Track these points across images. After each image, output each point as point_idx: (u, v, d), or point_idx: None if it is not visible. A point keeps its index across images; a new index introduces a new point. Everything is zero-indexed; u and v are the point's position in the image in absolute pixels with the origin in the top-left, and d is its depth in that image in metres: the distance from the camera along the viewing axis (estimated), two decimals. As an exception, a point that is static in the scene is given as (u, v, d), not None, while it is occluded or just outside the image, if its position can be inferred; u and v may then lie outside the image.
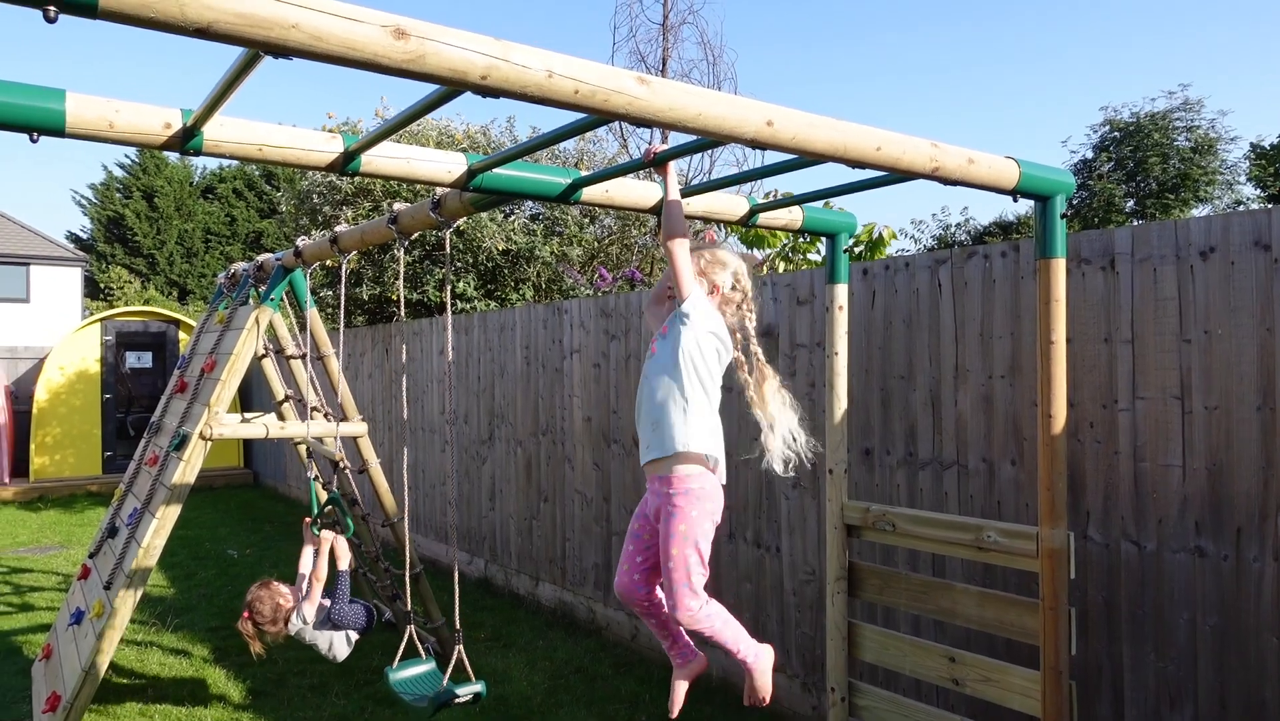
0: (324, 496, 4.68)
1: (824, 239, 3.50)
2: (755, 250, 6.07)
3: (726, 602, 4.66)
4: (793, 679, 4.31)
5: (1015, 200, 2.69)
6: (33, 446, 11.94)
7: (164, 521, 4.22)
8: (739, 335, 2.64)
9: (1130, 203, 19.75)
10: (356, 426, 4.95)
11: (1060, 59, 53.20)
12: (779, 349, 4.42)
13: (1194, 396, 2.91)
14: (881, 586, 3.23)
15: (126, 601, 4.08)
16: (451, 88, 1.67)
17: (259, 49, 1.43)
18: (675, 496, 2.39)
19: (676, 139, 2.14)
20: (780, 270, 6.41)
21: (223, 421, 4.43)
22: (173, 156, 31.04)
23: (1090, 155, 20.44)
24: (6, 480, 11.85)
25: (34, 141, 1.99)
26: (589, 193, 2.69)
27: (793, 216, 3.18)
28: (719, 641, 2.54)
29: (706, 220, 3.22)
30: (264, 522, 9.62)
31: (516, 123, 9.88)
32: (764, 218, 3.12)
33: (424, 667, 3.38)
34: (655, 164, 2.48)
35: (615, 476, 5.54)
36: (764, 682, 2.64)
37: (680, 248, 2.41)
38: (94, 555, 4.98)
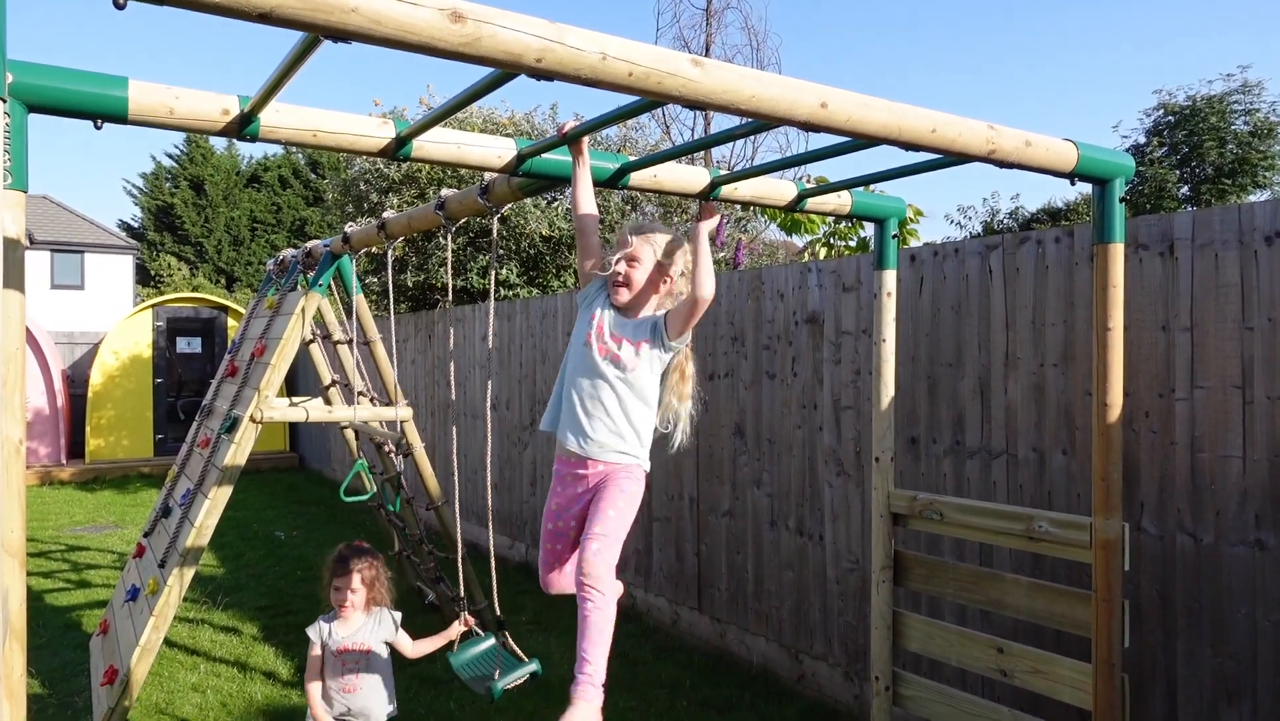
0: (368, 480, 4.75)
1: (871, 224, 3.46)
2: (794, 236, 6.01)
3: (766, 590, 4.67)
4: (834, 667, 4.29)
5: (1073, 183, 2.63)
6: (88, 429, 12.28)
7: (216, 502, 4.32)
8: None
9: (1184, 188, 19.23)
10: (402, 411, 5.00)
11: (1112, 42, 51.90)
12: (823, 336, 4.38)
13: (1256, 385, 2.83)
14: (928, 576, 3.19)
15: (181, 579, 4.18)
16: (506, 70, 1.67)
17: (319, 33, 1.44)
18: (632, 486, 2.53)
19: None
20: (821, 257, 6.35)
21: (272, 405, 4.51)
22: (219, 146, 31.59)
23: (1142, 140, 19.92)
24: (64, 461, 12.20)
25: (98, 128, 2.03)
26: (637, 178, 2.68)
27: (841, 201, 3.14)
28: (584, 630, 2.33)
29: (753, 206, 3.20)
30: (310, 505, 9.79)
31: (560, 109, 9.90)
32: (812, 203, 3.08)
33: (484, 645, 3.36)
34: (569, 140, 2.41)
35: (657, 463, 5.54)
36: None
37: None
38: (148, 534, 5.11)
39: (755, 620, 4.79)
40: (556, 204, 9.00)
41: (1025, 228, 20.20)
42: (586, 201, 2.51)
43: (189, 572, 4.21)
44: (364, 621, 3.32)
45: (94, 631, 4.95)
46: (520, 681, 2.99)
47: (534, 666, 3.01)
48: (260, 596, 6.26)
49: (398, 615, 3.39)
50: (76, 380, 13.46)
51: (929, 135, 2.16)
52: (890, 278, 3.28)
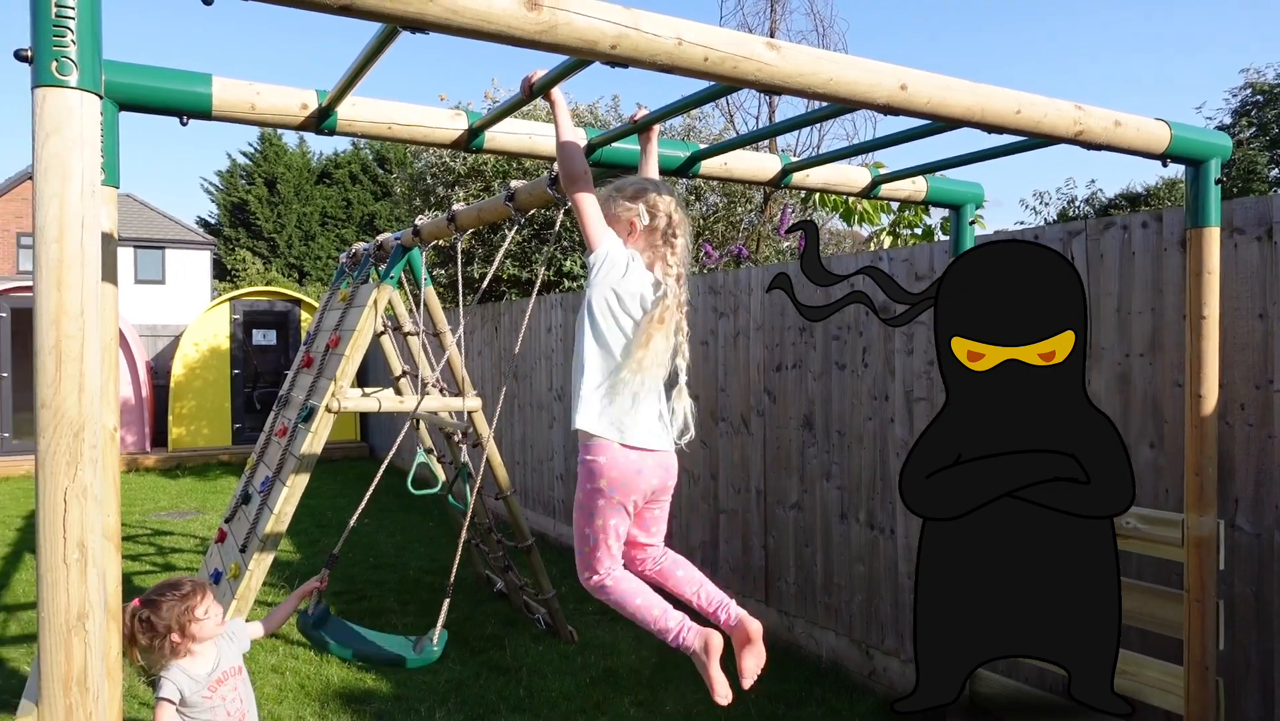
0: (439, 470, 4.81)
1: (944, 211, 3.37)
2: (858, 227, 5.90)
3: (836, 584, 4.60)
4: (906, 663, 4.21)
5: (1165, 164, 2.52)
6: (170, 418, 12.75)
7: (294, 489, 4.44)
8: (671, 270, 2.26)
9: (1275, 170, 18.35)
10: (471, 401, 5.07)
11: (1193, 21, 49.73)
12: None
13: (1364, 377, 2.67)
14: (1007, 572, 3.10)
15: (261, 564, 4.31)
16: (581, 58, 1.66)
17: (398, 24, 1.45)
18: (579, 466, 2.23)
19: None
20: (886, 245, 6.22)
21: (346, 395, 4.61)
22: (291, 143, 32.44)
23: (1228, 120, 19.07)
24: (148, 449, 12.69)
25: (184, 124, 2.09)
26: (707, 165, 2.65)
27: (916, 187, 3.07)
28: (636, 619, 2.28)
29: (825, 193, 3.14)
30: (380, 494, 10.00)
31: (623, 101, 9.89)
32: (886, 189, 3.02)
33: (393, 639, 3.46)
34: (536, 95, 2.10)
35: (724, 454, 5.52)
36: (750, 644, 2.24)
37: (582, 194, 2.13)
38: (229, 520, 5.28)
39: (824, 614, 4.73)
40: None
41: (1103, 213, 19.53)
42: (577, 163, 2.19)
43: (268, 558, 4.34)
44: (215, 644, 2.76)
45: (179, 613, 5.12)
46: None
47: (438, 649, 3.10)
48: (334, 582, 6.41)
49: (239, 618, 3.09)
50: (159, 371, 13.98)
51: (1013, 117, 2.09)
52: (967, 265, 3.18)
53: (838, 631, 4.63)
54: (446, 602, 3.40)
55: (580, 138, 2.43)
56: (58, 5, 1.23)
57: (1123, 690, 2.73)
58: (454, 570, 4.13)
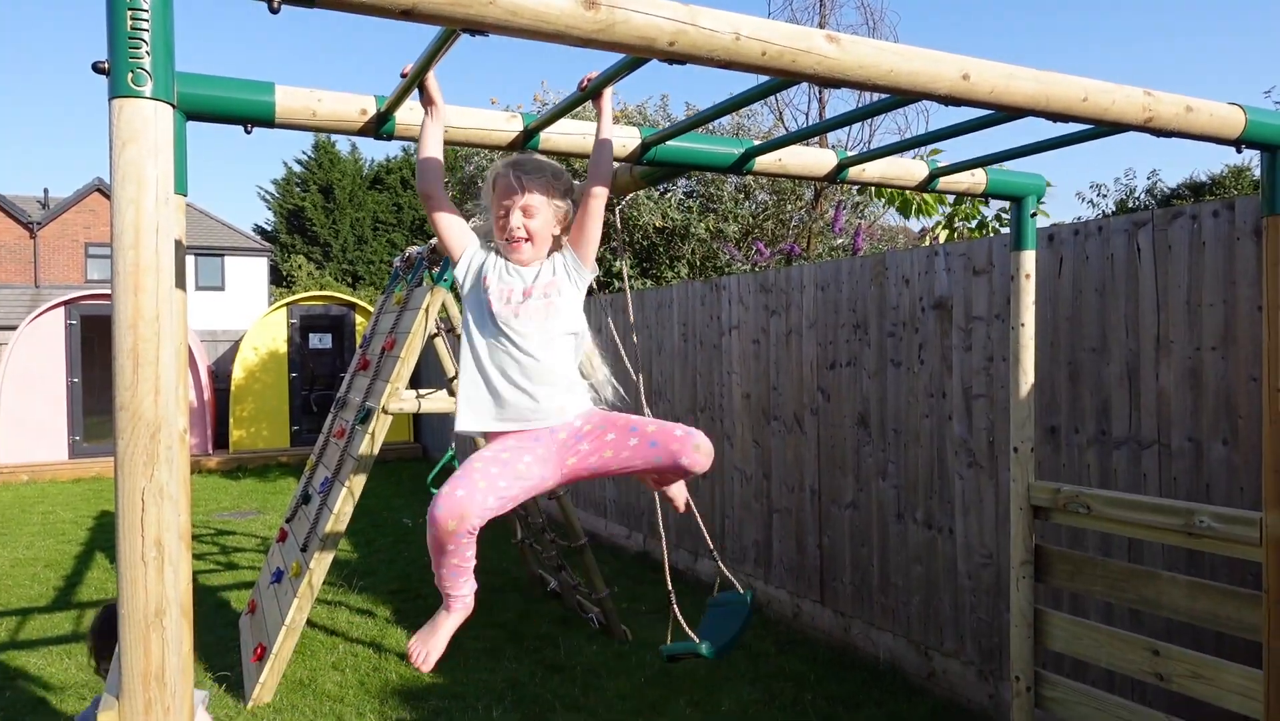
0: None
1: (1003, 203, 3.30)
2: (910, 219, 5.80)
3: (893, 584, 4.53)
4: (967, 666, 4.13)
5: (1239, 150, 2.43)
6: (231, 420, 13.07)
7: (352, 489, 4.51)
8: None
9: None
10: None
11: (1258, 5, 48.04)
12: (953, 321, 4.21)
13: None
14: (1073, 572, 3.02)
15: (321, 563, 4.39)
16: (638, 56, 1.65)
17: (459, 26, 1.46)
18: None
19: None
20: (942, 239, 6.11)
21: (402, 397, 4.68)
22: (344, 150, 33.06)
23: (1298, 106, 18.38)
24: (210, 451, 13.03)
25: (248, 132, 2.13)
26: (762, 162, 2.63)
27: (975, 180, 3.00)
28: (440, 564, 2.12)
29: (882, 187, 3.09)
30: (432, 494, 10.14)
31: (670, 101, 9.87)
32: (944, 182, 2.95)
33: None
34: (592, 93, 2.09)
35: (776, 454, 5.48)
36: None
37: (605, 196, 2.19)
38: (289, 520, 5.39)
39: (881, 614, 4.67)
40: (670, 195, 8.99)
41: (1165, 204, 18.96)
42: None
43: (328, 557, 4.42)
44: None
45: (243, 610, 5.25)
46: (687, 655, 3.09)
47: (703, 648, 3.08)
48: (391, 580, 6.52)
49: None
50: (220, 375, 14.35)
51: (1080, 105, 2.02)
52: (1029, 259, 3.11)
53: (895, 632, 4.57)
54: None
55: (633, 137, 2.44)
56: (133, 19, 1.26)
57: (1198, 694, 2.64)
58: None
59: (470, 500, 2.01)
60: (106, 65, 1.27)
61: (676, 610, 3.34)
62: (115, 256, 1.27)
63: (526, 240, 2.16)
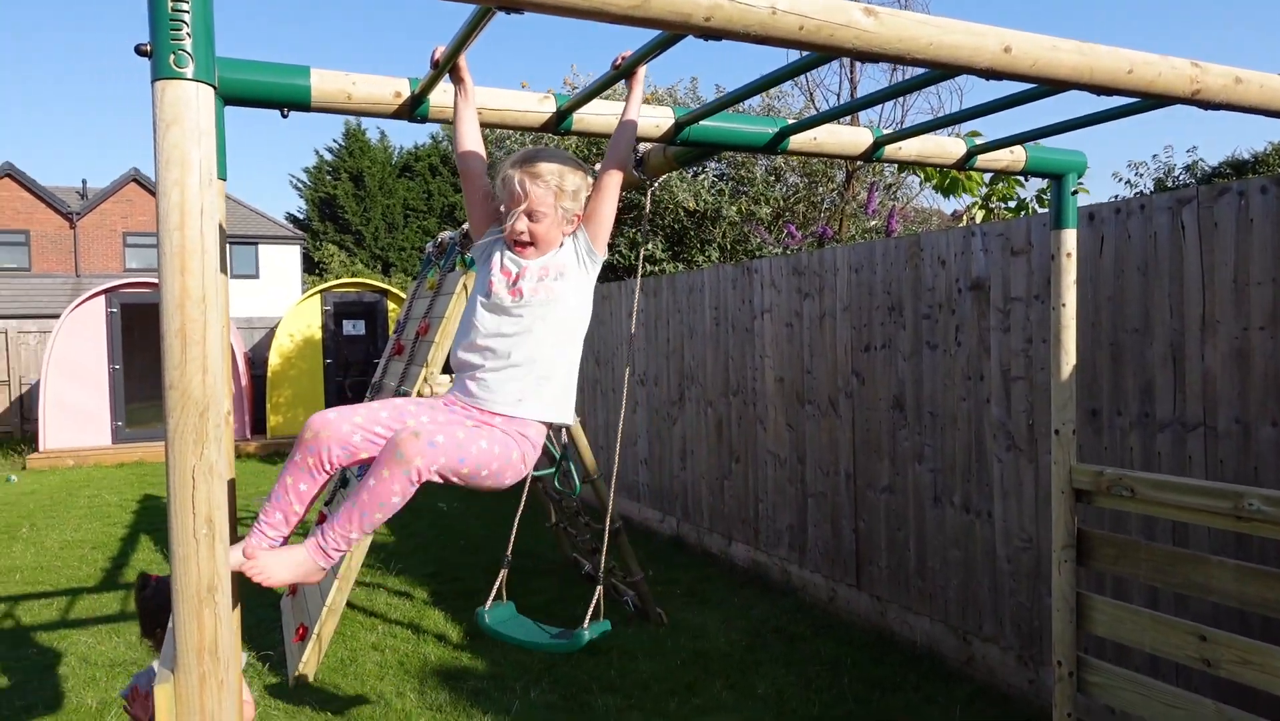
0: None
1: (1047, 181, 3.24)
2: (952, 198, 5.71)
3: (930, 569, 4.49)
4: (1006, 651, 4.09)
5: (1292, 123, 2.36)
6: (268, 406, 13.27)
7: (389, 473, 4.55)
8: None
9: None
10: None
11: (1307, -28, 46.59)
12: (990, 303, 4.15)
13: None
14: (1117, 556, 2.98)
15: (360, 546, 4.45)
16: (674, 32, 1.64)
17: (495, 5, 1.46)
18: (524, 441, 2.12)
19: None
20: (978, 220, 6.02)
21: (437, 380, 4.71)
22: (374, 138, 33.26)
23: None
24: (248, 436, 13.25)
25: (284, 117, 2.14)
26: (796, 141, 2.60)
27: (1014, 157, 2.95)
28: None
29: (918, 166, 3.04)
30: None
31: (700, 83, 9.81)
32: (982, 159, 2.91)
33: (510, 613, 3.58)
34: (625, 73, 2.09)
35: (810, 437, 5.45)
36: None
37: (621, 177, 2.18)
38: (328, 504, 5.45)
39: (918, 599, 4.64)
40: (702, 176, 8.94)
41: (1205, 182, 18.53)
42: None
43: (367, 540, 4.47)
44: None
45: (284, 593, 5.34)
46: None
47: (605, 626, 3.14)
48: (427, 564, 6.59)
49: None
50: (256, 362, 14.56)
51: (1125, 77, 1.97)
52: (1070, 237, 3.05)
53: (933, 617, 4.54)
54: (599, 591, 3.51)
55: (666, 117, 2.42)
56: (174, 2, 1.27)
57: (1248, 680, 2.59)
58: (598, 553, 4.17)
59: (335, 421, 1.94)
60: (149, 47, 1.29)
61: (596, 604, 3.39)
62: (161, 239, 1.28)
63: (530, 244, 2.15)
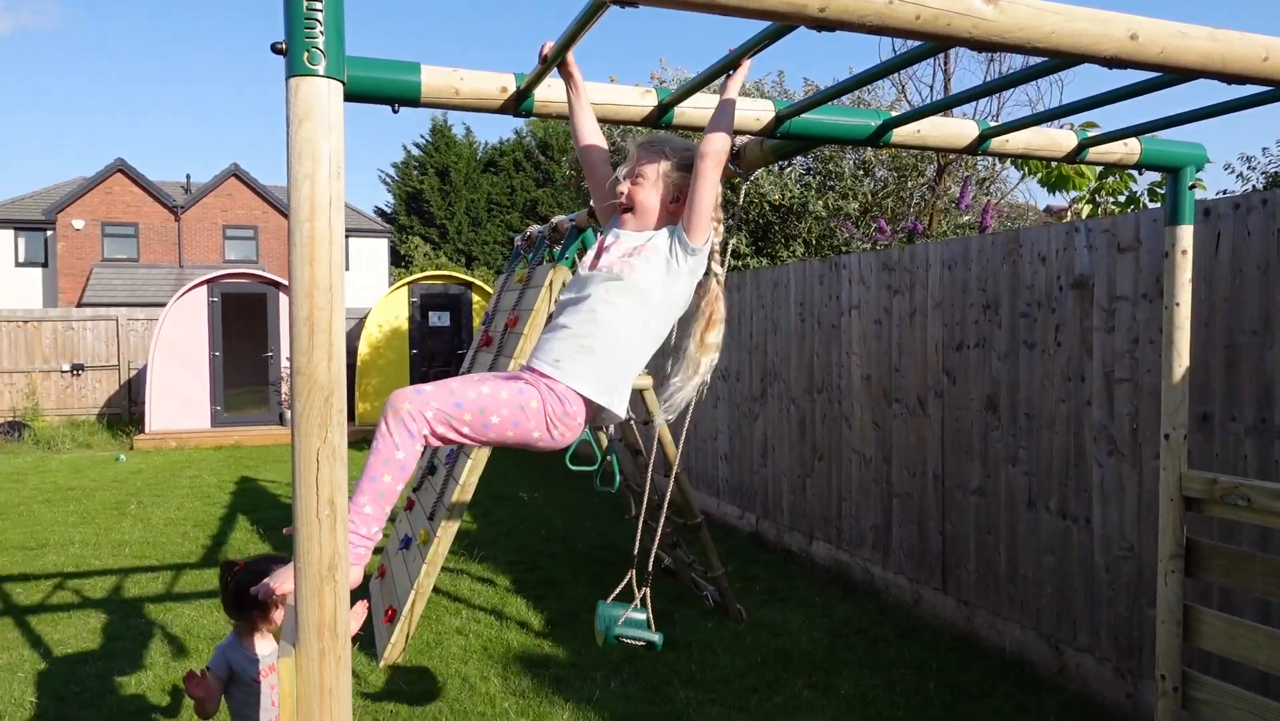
0: (597, 449, 4.86)
1: (1162, 174, 3.10)
2: (1060, 193, 5.51)
3: (1021, 575, 4.36)
4: (1102, 662, 3.95)
5: None
6: (357, 394, 13.68)
7: (477, 461, 4.65)
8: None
9: None
10: (641, 380, 5.14)
11: None
12: (1093, 301, 4.00)
13: None
14: (1229, 567, 2.84)
15: (448, 531, 4.55)
16: (786, 23, 1.62)
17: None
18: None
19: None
20: (1084, 215, 5.79)
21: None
22: (459, 133, 33.92)
23: None
24: (337, 423, 13.68)
25: (395, 112, 2.20)
26: (900, 133, 2.55)
27: (1128, 150, 2.83)
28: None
29: (1026, 158, 2.95)
30: (548, 469, 10.35)
31: (786, 76, 9.70)
32: (1094, 152, 2.79)
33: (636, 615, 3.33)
34: (731, 65, 2.05)
35: (897, 436, 5.35)
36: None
37: (720, 166, 2.10)
38: (416, 490, 5.60)
39: (1008, 605, 4.51)
40: (789, 170, 8.85)
41: (1324, 178, 17.45)
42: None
43: (454, 525, 4.57)
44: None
45: (374, 575, 5.50)
46: (637, 643, 2.89)
47: (655, 638, 2.90)
48: (509, 552, 6.70)
49: None
50: (347, 351, 15.02)
51: (1260, 65, 1.87)
52: (1186, 234, 2.91)
53: (1023, 624, 4.41)
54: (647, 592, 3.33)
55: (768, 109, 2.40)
56: (308, 2, 1.32)
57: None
58: (641, 552, 4.19)
59: (423, 398, 1.87)
60: (284, 46, 1.34)
61: (640, 599, 3.15)
62: (292, 229, 1.33)
63: (628, 207, 2.17)
